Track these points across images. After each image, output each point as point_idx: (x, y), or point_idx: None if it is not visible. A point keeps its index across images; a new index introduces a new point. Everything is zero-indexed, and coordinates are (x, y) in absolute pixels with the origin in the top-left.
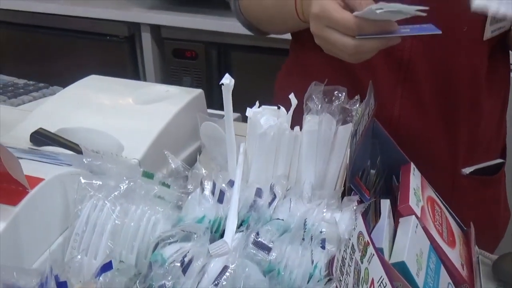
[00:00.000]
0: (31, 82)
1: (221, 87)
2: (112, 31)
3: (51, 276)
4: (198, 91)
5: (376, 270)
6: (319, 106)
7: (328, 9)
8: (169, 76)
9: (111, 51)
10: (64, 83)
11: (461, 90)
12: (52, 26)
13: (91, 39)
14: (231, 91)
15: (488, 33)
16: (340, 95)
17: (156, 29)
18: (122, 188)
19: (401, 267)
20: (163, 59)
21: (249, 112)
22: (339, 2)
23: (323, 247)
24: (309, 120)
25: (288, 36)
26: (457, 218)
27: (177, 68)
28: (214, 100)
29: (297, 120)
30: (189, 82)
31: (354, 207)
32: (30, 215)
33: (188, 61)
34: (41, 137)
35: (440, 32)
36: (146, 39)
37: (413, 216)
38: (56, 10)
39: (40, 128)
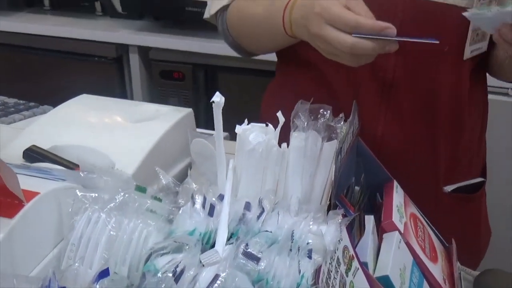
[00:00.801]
0: (21, 101)
1: (208, 107)
2: (101, 53)
3: (55, 279)
4: (188, 110)
5: (360, 284)
6: (305, 123)
7: (328, 7)
8: (156, 97)
9: (99, 72)
10: (53, 103)
11: (443, 109)
12: (41, 47)
13: (79, 60)
14: (221, 108)
15: (467, 53)
16: (325, 113)
17: (144, 51)
18: (117, 200)
19: (385, 281)
20: (150, 80)
21: (238, 129)
22: (340, 3)
23: (309, 257)
24: (296, 136)
25: (274, 57)
26: (439, 235)
27: (165, 89)
28: (201, 120)
29: (283, 138)
30: (176, 103)
31: (339, 220)
32: (26, 228)
33: (175, 82)
34: (34, 154)
35: (438, 42)
36: (134, 60)
37: (397, 232)
38: (44, 31)
39: (33, 145)
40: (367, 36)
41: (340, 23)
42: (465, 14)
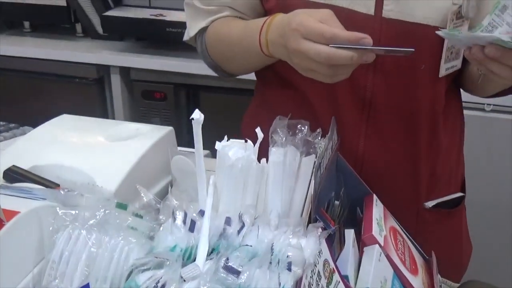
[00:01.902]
0: (1, 123)
1: (190, 126)
2: (82, 74)
3: None
4: (169, 129)
5: None
6: (284, 138)
7: (304, 21)
8: (138, 117)
9: (80, 93)
10: (34, 125)
11: (422, 126)
12: (22, 69)
13: (60, 82)
14: (200, 125)
15: (443, 71)
16: (303, 128)
17: (125, 71)
18: (98, 216)
19: None
20: (132, 100)
21: (218, 145)
22: (316, 19)
23: (289, 270)
24: (274, 151)
25: (253, 77)
26: (419, 248)
27: (146, 109)
28: (183, 139)
29: (263, 154)
30: (158, 122)
31: (319, 233)
32: (6, 247)
33: (157, 102)
34: (14, 174)
35: (413, 50)
36: (116, 81)
37: (377, 245)
38: (25, 53)
39: (13, 165)
40: (344, 46)
41: (316, 35)
42: (438, 32)
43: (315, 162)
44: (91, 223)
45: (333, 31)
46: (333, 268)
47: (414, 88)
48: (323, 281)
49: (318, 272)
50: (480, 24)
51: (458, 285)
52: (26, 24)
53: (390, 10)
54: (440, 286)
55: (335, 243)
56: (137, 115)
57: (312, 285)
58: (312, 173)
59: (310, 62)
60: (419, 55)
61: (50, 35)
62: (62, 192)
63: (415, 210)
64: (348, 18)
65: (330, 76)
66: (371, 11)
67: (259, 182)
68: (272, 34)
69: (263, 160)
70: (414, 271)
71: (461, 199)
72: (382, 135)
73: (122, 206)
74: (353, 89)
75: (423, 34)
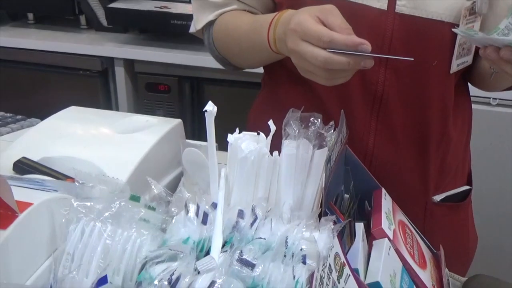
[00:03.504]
0: (8, 114)
1: (194, 119)
2: (86, 66)
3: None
4: (177, 121)
5: None
6: (297, 131)
7: (302, 22)
8: (142, 110)
9: (84, 85)
10: (38, 117)
11: (432, 121)
12: (25, 61)
13: (64, 74)
14: (213, 117)
15: (454, 67)
16: (316, 121)
17: (129, 64)
18: (113, 208)
19: (376, 287)
20: (136, 93)
21: (230, 137)
22: (316, 19)
23: (304, 263)
24: (287, 144)
25: (259, 69)
26: (427, 242)
27: (150, 101)
28: (187, 132)
29: (274, 146)
30: (162, 115)
31: (332, 227)
32: (19, 238)
33: (161, 95)
34: (24, 166)
35: (412, 60)
36: (120, 73)
37: (386, 238)
38: (29, 45)
39: (23, 157)
40: (342, 52)
41: (314, 38)
42: (455, 30)
43: (326, 155)
44: (105, 216)
45: (331, 35)
46: (343, 262)
47: (425, 84)
48: (334, 275)
49: (329, 265)
50: (497, 27)
51: (465, 279)
52: (30, 15)
53: (403, 6)
54: (448, 280)
55: (345, 236)
56: (141, 107)
57: (324, 278)
58: (323, 166)
59: (308, 65)
60: (432, 51)
61: (54, 27)
62: (77, 184)
63: (424, 204)
64: (361, 13)
65: (328, 79)
66: (384, 6)
67: (271, 175)
68: (279, 30)
69: (275, 153)
70: (423, 265)
71: (468, 192)
72: (392, 130)
73: (135, 198)
74: (364, 85)
75: (436, 30)
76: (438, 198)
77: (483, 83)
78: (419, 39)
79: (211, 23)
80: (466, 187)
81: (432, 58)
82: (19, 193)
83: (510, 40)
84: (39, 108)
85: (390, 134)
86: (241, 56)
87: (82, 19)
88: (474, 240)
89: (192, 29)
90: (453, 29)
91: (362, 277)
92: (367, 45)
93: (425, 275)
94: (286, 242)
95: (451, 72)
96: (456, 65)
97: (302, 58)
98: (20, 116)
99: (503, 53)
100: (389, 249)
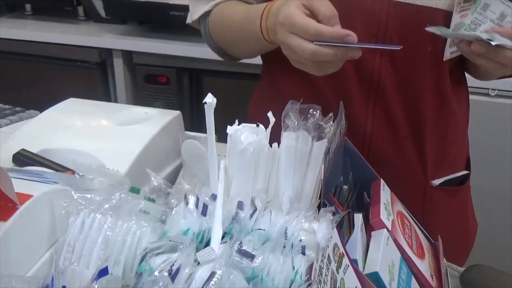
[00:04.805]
0: (7, 106)
1: (192, 111)
2: (84, 57)
3: (58, 277)
4: (176, 113)
5: (351, 280)
6: (296, 123)
7: (291, 15)
8: (140, 101)
9: (82, 77)
10: (36, 108)
11: (428, 106)
12: (23, 52)
13: (62, 65)
14: (213, 109)
15: (447, 54)
16: (315, 112)
17: (127, 55)
18: (113, 200)
19: (375, 277)
20: (134, 84)
21: (229, 129)
22: (304, 11)
23: (303, 253)
24: (286, 136)
25: (258, 61)
26: (425, 232)
27: (149, 93)
28: (186, 124)
29: (273, 139)
30: (161, 107)
31: (331, 218)
32: (20, 230)
33: (159, 86)
34: (23, 158)
35: (400, 47)
36: (118, 65)
37: (384, 229)
38: (26, 36)
39: (23, 149)
40: (329, 43)
41: (300, 31)
42: (428, 28)
43: (326, 146)
44: (106, 207)
45: (317, 28)
46: (342, 252)
47: (419, 70)
48: (333, 265)
49: (328, 256)
50: (463, 22)
51: (463, 269)
52: (28, 6)
53: None
54: (446, 270)
55: (344, 227)
56: (140, 99)
57: (323, 268)
58: (322, 158)
59: (297, 56)
60: (426, 38)
61: (52, 18)
62: (77, 176)
63: (423, 189)
64: (355, 2)
65: (317, 69)
66: None
67: (271, 167)
68: (270, 20)
69: (275, 144)
70: (421, 255)
71: (467, 176)
72: (389, 116)
73: (135, 190)
74: (360, 72)
75: (430, 17)
76: (437, 182)
77: (477, 73)
78: (414, 26)
79: (207, 14)
80: (465, 172)
81: (427, 45)
82: (19, 185)
83: (477, 35)
84: (37, 99)
85: (387, 119)
86: (237, 46)
87: (80, 10)
88: (473, 226)
89: (188, 20)
90: (426, 28)
91: (361, 268)
92: (353, 37)
93: (424, 265)
94: (286, 233)
95: (444, 59)
96: (450, 53)
97: (291, 50)
98: (19, 108)
99: (473, 47)
100: (388, 240)
